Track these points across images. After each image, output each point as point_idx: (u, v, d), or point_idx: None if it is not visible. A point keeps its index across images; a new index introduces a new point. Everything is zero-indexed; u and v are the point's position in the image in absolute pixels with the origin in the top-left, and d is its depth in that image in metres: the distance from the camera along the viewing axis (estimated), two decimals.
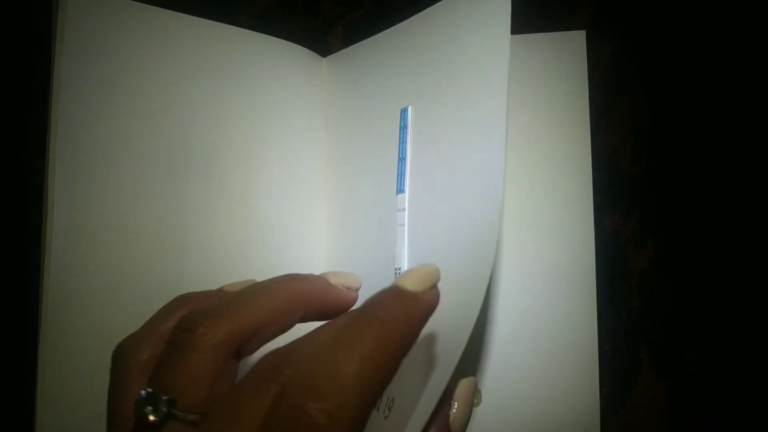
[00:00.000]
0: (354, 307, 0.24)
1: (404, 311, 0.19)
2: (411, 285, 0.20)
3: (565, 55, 0.34)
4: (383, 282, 0.21)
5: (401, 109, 0.33)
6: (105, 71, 0.31)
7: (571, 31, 0.34)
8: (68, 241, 0.29)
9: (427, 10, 0.32)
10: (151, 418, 0.19)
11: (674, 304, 0.34)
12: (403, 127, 0.32)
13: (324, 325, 0.21)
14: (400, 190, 0.31)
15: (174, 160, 0.32)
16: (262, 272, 0.33)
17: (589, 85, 0.34)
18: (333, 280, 0.24)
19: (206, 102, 0.33)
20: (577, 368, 0.32)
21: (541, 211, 0.33)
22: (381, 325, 0.19)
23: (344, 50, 0.37)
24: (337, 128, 0.37)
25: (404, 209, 0.31)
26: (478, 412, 0.33)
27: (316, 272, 0.25)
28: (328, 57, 0.38)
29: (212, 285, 0.30)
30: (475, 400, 0.33)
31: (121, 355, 0.22)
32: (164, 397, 0.19)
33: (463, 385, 0.24)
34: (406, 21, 0.33)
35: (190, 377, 0.19)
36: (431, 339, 0.25)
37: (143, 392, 0.19)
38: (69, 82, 0.30)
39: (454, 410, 0.23)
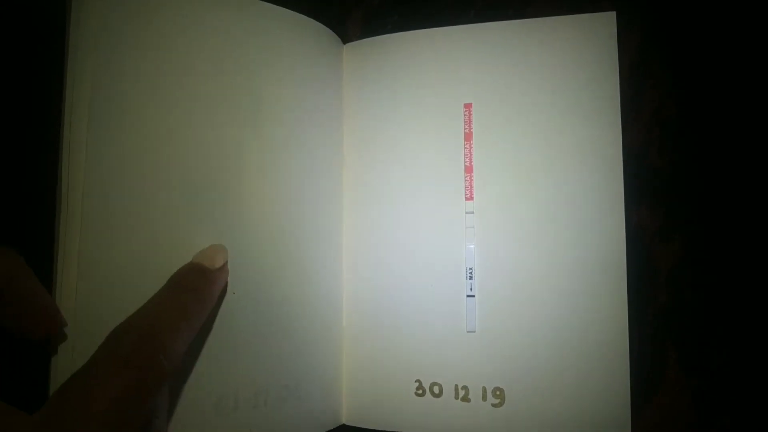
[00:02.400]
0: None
1: (206, 283, 0.26)
2: (209, 263, 0.26)
3: (594, 37, 0.33)
4: None
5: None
6: (116, 59, 0.29)
7: (601, 12, 0.33)
8: (81, 243, 0.28)
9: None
10: None
11: (702, 301, 0.33)
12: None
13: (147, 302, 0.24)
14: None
15: (188, 157, 0.31)
16: (284, 273, 0.32)
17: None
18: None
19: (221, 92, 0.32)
20: (607, 365, 0.31)
21: (570, 202, 0.32)
22: (189, 295, 0.25)
23: (368, 39, 0.36)
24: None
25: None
26: (499, 414, 0.32)
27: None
28: (348, 45, 0.37)
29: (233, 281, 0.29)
30: (497, 401, 0.32)
31: None
32: None
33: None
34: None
35: None
36: None
37: None
38: (83, 74, 0.29)
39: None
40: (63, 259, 0.28)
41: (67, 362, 0.26)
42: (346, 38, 0.37)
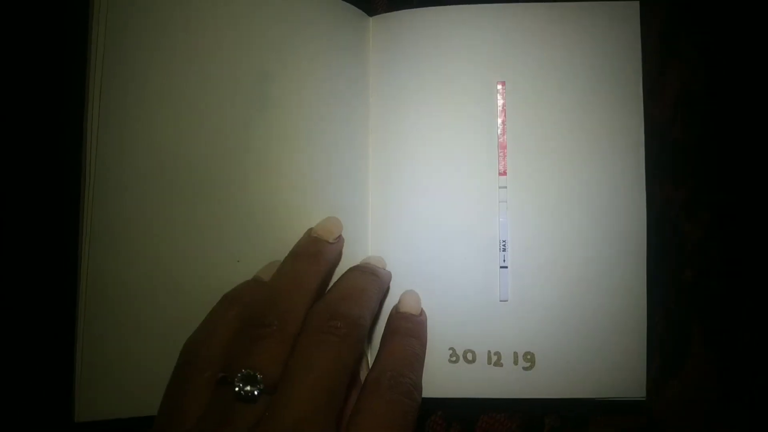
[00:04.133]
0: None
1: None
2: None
3: (617, 25, 0.35)
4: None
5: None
6: (137, 49, 0.30)
7: (625, 1, 0.35)
8: (105, 228, 0.29)
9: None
10: (256, 393, 0.24)
11: (728, 276, 0.35)
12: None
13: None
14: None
15: (208, 135, 0.32)
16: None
17: (642, 48, 0.34)
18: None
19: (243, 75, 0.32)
20: (625, 332, 0.33)
21: (594, 178, 0.34)
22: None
23: (395, 13, 0.36)
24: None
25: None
26: (530, 376, 0.34)
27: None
28: (375, 17, 0.37)
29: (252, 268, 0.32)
30: (528, 364, 0.34)
31: (189, 356, 0.27)
32: (260, 376, 0.25)
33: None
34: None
35: (274, 359, 0.26)
36: None
37: (241, 373, 0.25)
38: (112, 71, 0.30)
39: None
40: (86, 241, 0.29)
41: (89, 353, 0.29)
42: (372, 11, 0.37)
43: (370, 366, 0.33)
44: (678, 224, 0.36)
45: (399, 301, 0.34)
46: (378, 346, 0.32)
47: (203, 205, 0.31)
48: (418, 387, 0.29)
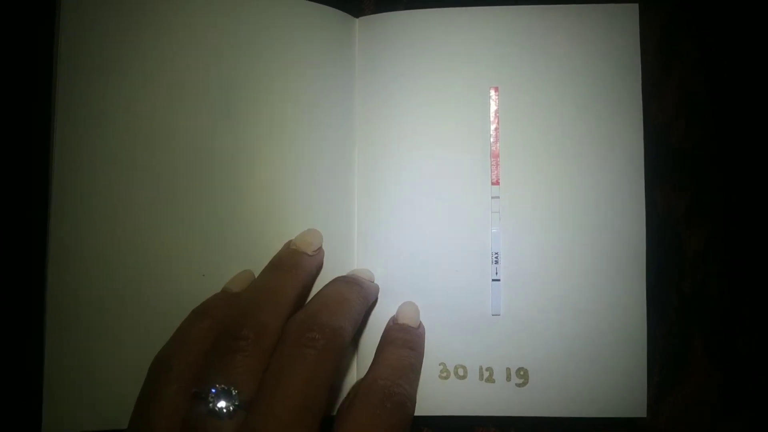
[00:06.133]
0: None
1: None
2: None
3: (616, 28, 0.33)
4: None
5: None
6: (109, 54, 0.30)
7: (624, 3, 0.33)
8: (69, 242, 0.30)
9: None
10: (231, 408, 0.23)
11: (730, 287, 0.34)
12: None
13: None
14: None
15: (190, 137, 0.31)
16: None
17: (642, 51, 0.33)
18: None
19: (220, 75, 0.32)
20: (625, 347, 0.32)
21: (592, 187, 0.33)
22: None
23: (383, 14, 0.35)
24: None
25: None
26: (523, 393, 0.32)
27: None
28: (362, 18, 0.35)
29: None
30: (521, 381, 0.33)
31: (159, 369, 0.26)
32: (234, 391, 0.24)
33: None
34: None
35: (249, 374, 0.24)
36: None
37: (215, 388, 0.24)
38: (70, 79, 0.30)
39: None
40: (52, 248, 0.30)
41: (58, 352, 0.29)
42: (359, 13, 0.35)
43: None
44: (679, 233, 0.34)
45: (397, 312, 0.33)
46: (364, 362, 0.31)
47: (168, 217, 0.31)
48: (412, 399, 0.28)
